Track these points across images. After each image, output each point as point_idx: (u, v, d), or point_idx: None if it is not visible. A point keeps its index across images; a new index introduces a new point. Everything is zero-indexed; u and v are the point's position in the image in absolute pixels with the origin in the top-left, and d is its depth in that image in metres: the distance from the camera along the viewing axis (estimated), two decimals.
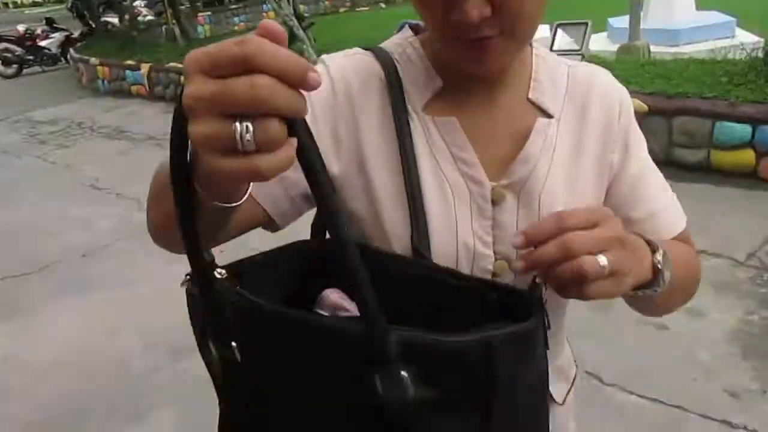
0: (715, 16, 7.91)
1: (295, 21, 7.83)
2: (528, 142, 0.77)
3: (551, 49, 5.63)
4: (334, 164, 0.77)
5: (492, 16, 0.66)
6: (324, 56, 0.82)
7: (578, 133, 0.80)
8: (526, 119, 0.79)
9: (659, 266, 0.68)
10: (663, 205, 0.85)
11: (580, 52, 5.51)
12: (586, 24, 5.64)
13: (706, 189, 4.32)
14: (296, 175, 0.60)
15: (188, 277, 0.67)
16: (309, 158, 0.48)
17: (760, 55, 4.67)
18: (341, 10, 19.14)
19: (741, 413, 2.39)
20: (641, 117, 4.66)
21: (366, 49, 0.81)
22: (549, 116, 0.79)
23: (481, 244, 0.76)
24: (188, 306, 0.69)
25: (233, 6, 18.42)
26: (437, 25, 0.70)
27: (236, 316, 0.63)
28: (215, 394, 0.74)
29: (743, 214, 3.92)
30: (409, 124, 0.77)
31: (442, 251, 0.75)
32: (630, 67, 5.38)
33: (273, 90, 0.41)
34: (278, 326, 0.63)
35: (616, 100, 0.83)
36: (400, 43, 0.82)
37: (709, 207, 4.07)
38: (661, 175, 0.87)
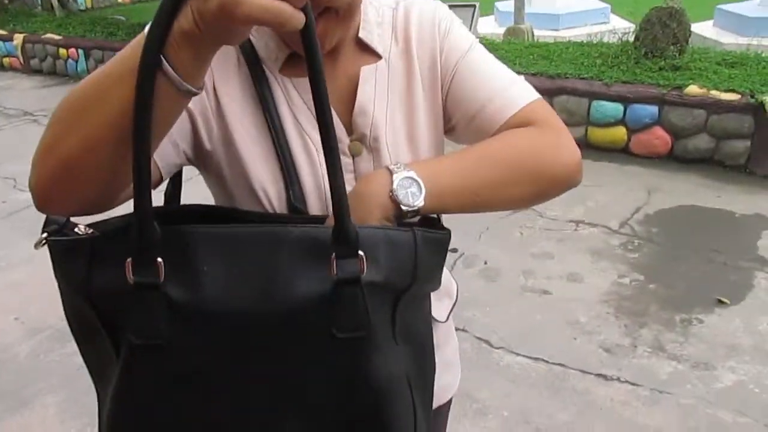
0: (591, 3, 8.39)
1: None
2: (358, 94, 0.81)
3: None
4: (206, 142, 0.80)
5: None
6: None
7: (407, 67, 0.85)
8: (358, 65, 0.83)
9: (394, 194, 0.70)
10: (488, 95, 0.82)
11: None
12: (474, 6, 5.83)
13: (585, 164, 4.50)
14: (181, 125, 0.71)
15: (46, 234, 0.67)
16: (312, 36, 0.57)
17: (631, 39, 5.02)
18: None
19: (614, 367, 2.61)
20: None
21: None
22: (378, 56, 0.83)
23: None
24: (62, 247, 0.66)
25: None
26: None
27: (165, 236, 0.62)
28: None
29: (617, 186, 4.23)
30: (269, 87, 0.80)
31: (313, 207, 0.80)
32: (516, 48, 5.61)
33: None
34: (219, 239, 0.64)
35: (434, 25, 0.85)
36: None
37: (586, 180, 4.27)
38: (492, 65, 0.85)
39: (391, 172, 0.72)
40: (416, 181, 0.71)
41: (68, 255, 0.66)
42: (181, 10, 0.54)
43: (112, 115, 0.59)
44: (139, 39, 0.59)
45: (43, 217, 0.68)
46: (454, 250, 3.51)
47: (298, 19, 0.52)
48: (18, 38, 9.00)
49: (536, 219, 3.86)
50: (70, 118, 0.62)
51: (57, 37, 8.55)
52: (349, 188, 0.78)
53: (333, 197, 0.62)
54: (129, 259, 0.61)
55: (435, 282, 0.74)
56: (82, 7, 14.54)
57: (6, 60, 9.32)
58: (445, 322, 1.01)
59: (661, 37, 4.71)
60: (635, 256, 3.42)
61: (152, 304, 0.62)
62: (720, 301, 2.96)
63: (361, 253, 0.63)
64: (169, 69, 0.56)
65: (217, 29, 0.53)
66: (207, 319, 0.63)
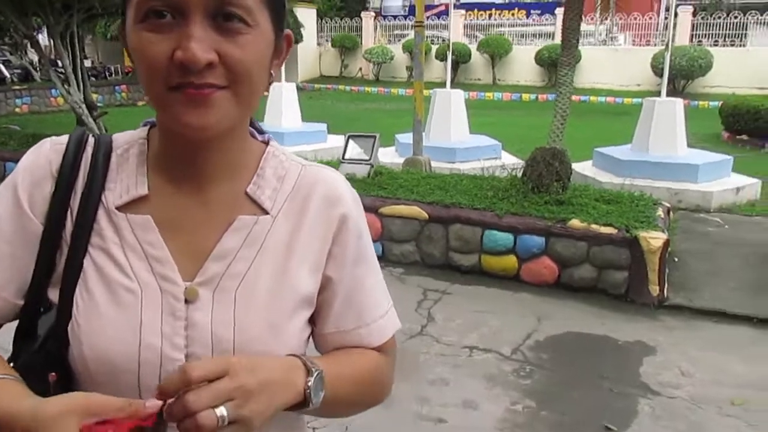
0: (484, 140, 9.02)
1: (85, 109, 7.46)
2: (222, 239, 0.79)
3: (343, 158, 6.00)
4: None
5: (216, 68, 0.70)
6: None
7: (295, 230, 0.83)
8: (236, 214, 0.81)
9: (309, 391, 0.74)
10: (372, 318, 0.89)
11: (369, 162, 5.93)
12: (375, 137, 6.11)
13: (479, 290, 4.75)
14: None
15: None
16: None
17: (519, 174, 5.39)
18: (139, 103, 18.62)
19: None
20: (423, 224, 5.06)
21: (79, 136, 0.82)
22: (265, 212, 0.81)
23: (170, 347, 0.76)
24: None
25: (16, 87, 17.05)
26: (161, 73, 0.70)
27: None
28: None
29: (509, 312, 4.35)
30: (93, 219, 0.78)
31: (120, 352, 0.75)
32: (414, 178, 5.88)
33: None
34: None
35: (338, 210, 0.85)
36: (130, 139, 0.83)
37: (480, 306, 4.47)
38: (381, 285, 0.91)
39: (306, 367, 0.75)
40: (323, 382, 0.77)
41: None
42: None
43: None
44: None
45: None
46: None
47: None
48: None
49: (432, 344, 3.87)
50: None
51: None
52: (178, 339, 0.76)
53: None
54: None
55: None
56: None
57: None
58: None
59: (546, 174, 5.09)
60: (527, 383, 3.46)
61: None
62: (608, 429, 3.02)
63: None
64: None
65: None
66: None
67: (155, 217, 0.79)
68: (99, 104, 10.03)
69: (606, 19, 20.06)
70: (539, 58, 20.67)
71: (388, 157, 8.20)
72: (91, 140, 0.82)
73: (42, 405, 0.67)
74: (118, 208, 0.79)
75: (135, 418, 0.65)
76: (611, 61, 20.13)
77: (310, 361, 0.77)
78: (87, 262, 0.78)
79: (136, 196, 0.79)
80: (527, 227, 4.77)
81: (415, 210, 5.10)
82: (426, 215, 5.07)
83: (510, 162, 7.47)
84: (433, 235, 5.06)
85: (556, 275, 4.72)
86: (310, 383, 0.74)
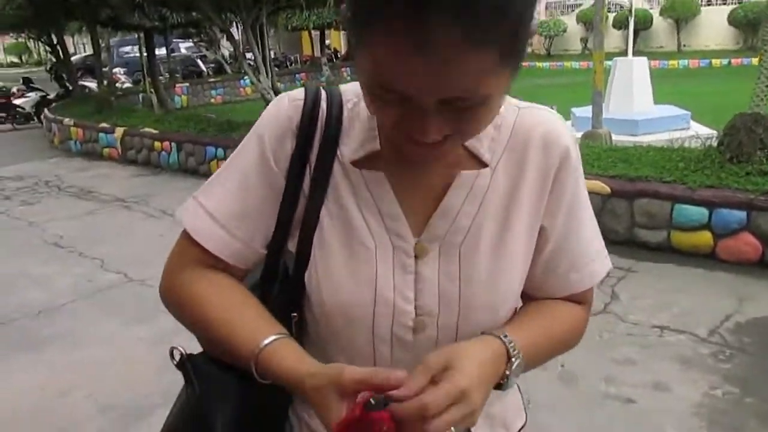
0: (671, 109, 8.37)
1: (273, 95, 8.03)
2: (447, 196, 0.78)
3: None
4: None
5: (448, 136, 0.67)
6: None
7: (515, 180, 0.80)
8: (458, 170, 0.79)
9: (505, 380, 0.75)
10: (584, 261, 0.86)
11: None
12: (552, 109, 5.89)
13: (668, 268, 4.43)
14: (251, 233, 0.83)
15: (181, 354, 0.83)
16: None
17: (714, 144, 4.92)
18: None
19: None
20: (605, 198, 4.82)
21: (314, 91, 0.82)
22: (484, 164, 0.79)
23: (402, 300, 0.78)
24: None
25: (211, 79, 18.80)
26: (387, 124, 0.68)
27: None
28: None
29: (704, 292, 4.02)
30: (330, 173, 0.80)
31: (356, 303, 0.77)
32: (594, 151, 5.60)
33: None
34: None
35: (557, 152, 0.81)
36: (358, 91, 0.81)
37: (671, 285, 4.17)
38: (594, 227, 0.87)
39: (509, 354, 0.75)
40: (521, 368, 0.77)
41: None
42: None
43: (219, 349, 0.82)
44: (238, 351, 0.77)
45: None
46: None
47: None
48: (119, 131, 9.74)
49: (617, 323, 3.69)
50: (195, 331, 0.85)
51: (154, 131, 9.20)
52: (408, 292, 0.78)
53: None
54: None
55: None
56: (178, 106, 15.70)
57: (106, 150, 10.07)
58: None
59: (747, 142, 4.61)
60: (728, 367, 3.18)
61: None
62: None
63: None
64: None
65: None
66: None
67: (386, 173, 0.79)
68: (282, 90, 10.76)
69: None
70: (733, 19, 18.68)
71: None
72: (324, 95, 0.82)
73: (310, 379, 0.69)
74: (353, 163, 0.79)
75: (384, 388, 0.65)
76: None
77: (512, 347, 0.75)
78: (323, 214, 0.80)
79: (370, 151, 0.79)
80: (725, 201, 4.35)
81: (597, 185, 4.85)
82: (608, 189, 4.81)
83: (702, 132, 6.84)
84: (617, 210, 4.79)
85: (760, 253, 4.26)
86: (508, 372, 0.75)
